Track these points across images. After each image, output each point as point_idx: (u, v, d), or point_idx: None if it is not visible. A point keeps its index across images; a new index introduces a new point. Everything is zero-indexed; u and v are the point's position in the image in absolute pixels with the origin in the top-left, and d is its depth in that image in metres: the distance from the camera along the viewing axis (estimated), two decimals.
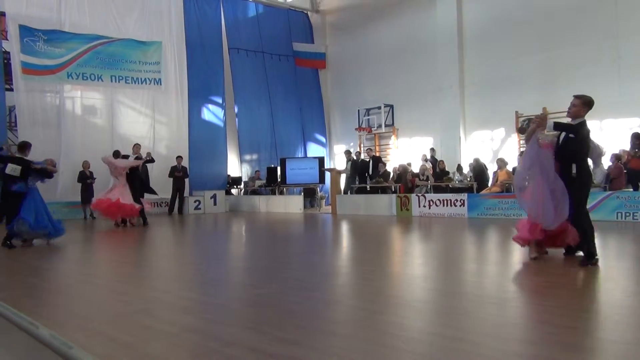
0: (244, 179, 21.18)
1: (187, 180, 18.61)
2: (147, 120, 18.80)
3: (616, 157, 12.57)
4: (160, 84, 18.97)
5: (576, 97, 6.64)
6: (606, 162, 12.93)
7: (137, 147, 14.47)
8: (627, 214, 11.18)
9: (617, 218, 11.28)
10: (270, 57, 21.93)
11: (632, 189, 11.87)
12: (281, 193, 19.77)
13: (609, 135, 14.63)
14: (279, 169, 19.97)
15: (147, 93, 18.83)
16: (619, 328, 3.48)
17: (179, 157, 18.20)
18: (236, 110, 20.92)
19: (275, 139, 21.74)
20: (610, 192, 11.77)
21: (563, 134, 6.40)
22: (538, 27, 15.93)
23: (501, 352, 3.02)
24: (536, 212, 6.28)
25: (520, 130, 6.93)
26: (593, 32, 14.85)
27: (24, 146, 9.21)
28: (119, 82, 18.20)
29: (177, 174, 18.01)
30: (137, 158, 14.01)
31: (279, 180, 19.78)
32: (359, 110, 20.74)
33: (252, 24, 21.63)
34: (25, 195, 8.81)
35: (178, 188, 18.13)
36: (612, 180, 12.37)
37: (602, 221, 11.13)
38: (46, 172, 9.20)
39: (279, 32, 22.14)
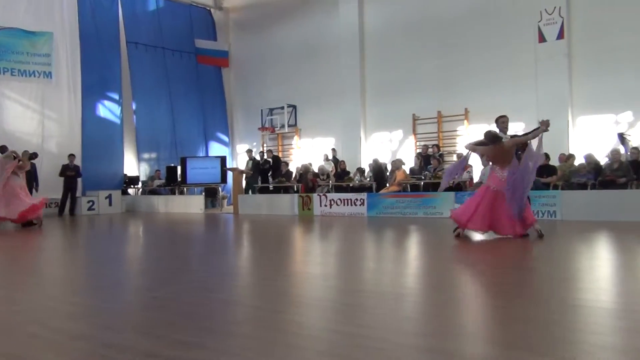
0: (142, 178, 20.44)
1: (79, 180, 17.65)
2: (35, 116, 17.58)
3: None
4: (51, 78, 17.83)
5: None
6: None
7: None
8: None
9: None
10: (171, 54, 21.33)
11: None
12: (181, 193, 19.29)
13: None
14: (179, 168, 19.47)
15: (36, 87, 17.61)
16: (505, 318, 3.71)
17: (72, 156, 17.23)
18: (134, 107, 20.14)
19: (175, 138, 21.15)
20: None
21: None
22: (435, 34, 16.70)
23: (399, 346, 3.12)
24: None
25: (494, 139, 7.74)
26: (485, 40, 15.78)
27: None
28: (4, 74, 16.92)
29: (69, 173, 17.04)
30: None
31: (179, 179, 19.29)
32: (262, 110, 20.70)
33: (152, 18, 20.92)
34: None
35: (70, 188, 17.17)
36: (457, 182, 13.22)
37: None
38: None
39: (180, 27, 21.57)
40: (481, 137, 8.48)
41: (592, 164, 12.22)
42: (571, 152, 13.66)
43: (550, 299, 4.23)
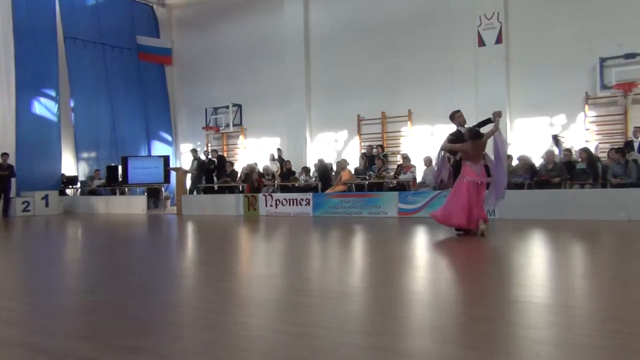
0: (81, 178, 19.78)
1: (13, 180, 16.89)
2: None
3: (448, 160, 13.73)
4: None
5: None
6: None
7: None
8: None
9: None
10: (112, 50, 20.71)
11: None
12: (122, 193, 18.79)
13: (439, 139, 15.97)
14: (120, 167, 18.94)
15: None
16: (444, 314, 3.80)
17: (5, 155, 16.48)
18: (72, 104, 19.45)
19: (116, 136, 20.57)
20: (439, 191, 12.85)
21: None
22: (380, 35, 16.93)
23: (342, 344, 3.14)
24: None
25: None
26: (428, 43, 16.13)
27: None
28: None
29: (2, 173, 16.30)
30: None
31: (120, 179, 18.77)
32: (206, 109, 20.43)
33: (91, 12, 20.23)
34: None
35: (3, 188, 16.42)
36: (442, 181, 13.50)
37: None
38: None
39: (121, 23, 20.97)
40: (446, 137, 9.11)
41: (526, 165, 12.68)
42: (509, 153, 14.13)
43: (488, 295, 4.37)
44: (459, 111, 9.13)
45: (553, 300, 4.25)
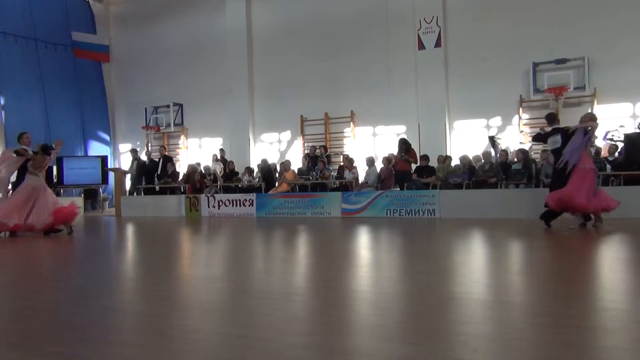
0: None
1: None
2: None
3: (387, 160, 13.98)
4: None
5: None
6: (378, 165, 14.35)
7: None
8: (395, 211, 12.52)
9: (387, 214, 12.55)
10: (45, 46, 19.94)
11: (398, 189, 13.33)
12: (58, 195, 18.03)
13: (380, 140, 16.24)
14: (55, 168, 18.24)
15: None
16: (386, 312, 3.86)
17: None
18: (2, 102, 18.59)
19: (50, 136, 19.74)
20: (381, 191, 13.05)
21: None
22: (321, 36, 17.04)
23: (286, 345, 3.14)
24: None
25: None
26: (369, 45, 16.35)
27: None
28: None
29: None
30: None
31: (54, 180, 18.07)
32: (146, 109, 19.99)
33: (21, 6, 19.42)
34: None
35: None
36: (383, 181, 13.75)
37: (374, 217, 12.32)
38: None
39: (54, 18, 20.22)
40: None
41: (466, 165, 13.07)
42: (448, 154, 14.53)
43: (427, 293, 4.46)
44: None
45: (489, 296, 4.39)
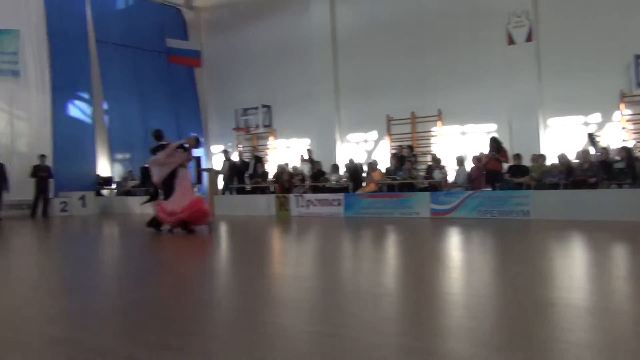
0: (116, 179, 20.15)
1: (51, 181, 17.31)
2: (3, 115, 17.17)
3: (477, 159, 13.61)
4: (19, 76, 17.42)
5: None
6: (468, 164, 14.00)
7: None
8: (486, 211, 12.14)
9: (477, 215, 12.20)
10: (142, 53, 21.04)
11: (490, 189, 12.93)
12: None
13: (470, 139, 15.83)
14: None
15: (3, 85, 17.18)
16: (479, 315, 3.76)
17: (43, 156, 16.93)
18: (105, 106, 19.84)
19: (148, 138, 20.81)
20: (471, 191, 12.72)
21: None
22: (408, 34, 16.82)
23: (376, 345, 3.13)
24: None
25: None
26: (457, 42, 15.96)
27: None
28: None
29: (42, 174, 16.72)
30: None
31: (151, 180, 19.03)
32: (236, 110, 20.58)
33: (121, 16, 20.62)
34: None
35: (42, 189, 16.84)
36: (473, 181, 13.40)
37: (464, 218, 12.03)
38: None
39: (151, 26, 21.28)
40: None
41: (564, 164, 12.45)
42: (542, 152, 13.89)
43: (524, 297, 4.30)
44: None
45: (592, 302, 4.16)
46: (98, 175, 19.53)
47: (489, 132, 15.21)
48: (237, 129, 20.63)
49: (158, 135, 10.97)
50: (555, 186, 12.09)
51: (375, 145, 17.82)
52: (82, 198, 18.04)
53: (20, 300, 4.84)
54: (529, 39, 14.72)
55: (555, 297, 4.36)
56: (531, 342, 3.11)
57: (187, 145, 10.76)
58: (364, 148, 18.05)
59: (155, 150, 10.78)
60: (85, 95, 19.15)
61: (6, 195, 15.94)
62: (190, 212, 9.90)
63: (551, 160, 13.25)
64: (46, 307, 4.48)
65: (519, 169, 12.96)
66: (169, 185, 10.35)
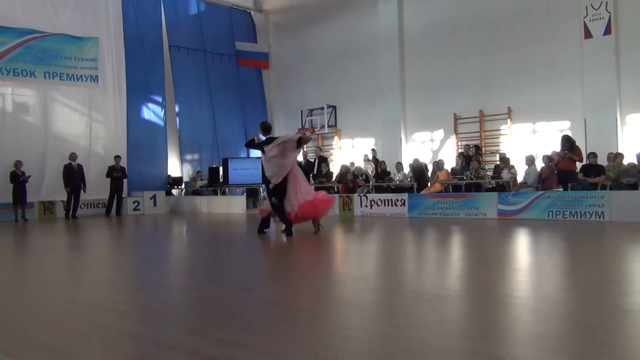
0: (185, 179, 20.80)
1: (125, 181, 18.10)
2: (83, 119, 18.09)
3: (548, 158, 13.11)
4: (97, 81, 18.32)
5: None
6: (538, 163, 13.51)
7: None
8: (558, 213, 11.67)
9: (548, 217, 11.75)
10: (212, 56, 21.64)
11: (562, 189, 12.42)
12: (223, 193, 19.54)
13: (541, 137, 15.28)
14: (221, 169, 19.74)
15: (83, 90, 18.10)
16: (549, 321, 3.62)
17: (118, 157, 17.70)
18: (177, 109, 20.54)
19: (217, 139, 21.46)
20: (542, 191, 12.27)
21: None
22: (476, 31, 16.44)
23: (439, 348, 3.08)
24: None
25: None
26: (527, 38, 15.44)
27: None
28: (53, 78, 17.44)
29: (116, 174, 17.52)
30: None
31: (221, 180, 19.55)
32: (302, 111, 20.78)
33: (193, 21, 21.28)
34: None
35: (116, 188, 17.64)
36: (544, 181, 12.91)
37: (534, 219, 11.62)
38: None
39: (221, 30, 21.87)
40: None
41: None
42: (620, 151, 13.21)
43: (597, 302, 4.11)
44: None
45: None
46: (169, 175, 20.23)
47: (561, 130, 14.62)
48: (302, 129, 20.82)
49: (267, 127, 10.51)
50: (633, 187, 11.47)
51: (442, 145, 17.53)
52: (153, 197, 18.72)
53: (95, 295, 5.09)
54: (607, 31, 14.04)
55: (631, 302, 4.14)
56: (606, 350, 2.96)
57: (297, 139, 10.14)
58: (430, 147, 17.79)
59: (263, 144, 10.27)
60: (158, 99, 19.88)
61: (83, 195, 16.84)
62: (307, 209, 9.67)
63: (629, 159, 12.58)
64: (119, 302, 4.69)
65: (593, 169, 12.37)
66: (280, 188, 9.82)
